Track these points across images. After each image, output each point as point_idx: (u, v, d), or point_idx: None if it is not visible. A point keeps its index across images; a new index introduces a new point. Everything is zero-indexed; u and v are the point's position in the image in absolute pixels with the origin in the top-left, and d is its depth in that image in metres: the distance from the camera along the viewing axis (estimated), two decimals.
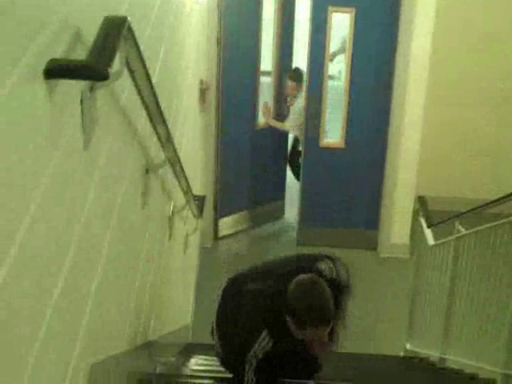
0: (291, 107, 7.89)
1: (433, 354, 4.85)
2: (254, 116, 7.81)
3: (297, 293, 2.70)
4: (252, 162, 7.88)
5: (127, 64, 1.90)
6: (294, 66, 8.03)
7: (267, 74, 8.06)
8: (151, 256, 3.12)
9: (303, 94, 7.57)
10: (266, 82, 8.09)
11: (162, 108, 2.64)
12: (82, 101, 1.65)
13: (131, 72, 2.02)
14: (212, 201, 7.59)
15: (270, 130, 7.88)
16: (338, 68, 8.06)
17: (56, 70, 1.39)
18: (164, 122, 2.74)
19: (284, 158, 8.36)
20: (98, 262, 1.91)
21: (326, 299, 2.66)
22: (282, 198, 8.38)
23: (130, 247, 2.53)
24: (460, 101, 8.07)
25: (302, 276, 2.76)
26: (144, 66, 2.07)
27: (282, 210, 8.41)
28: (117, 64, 1.72)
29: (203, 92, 6.64)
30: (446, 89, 8.01)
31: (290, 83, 7.80)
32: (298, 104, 7.74)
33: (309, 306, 2.65)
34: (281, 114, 8.03)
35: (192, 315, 6.15)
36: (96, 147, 1.81)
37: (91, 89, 1.71)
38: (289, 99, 7.94)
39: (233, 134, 7.56)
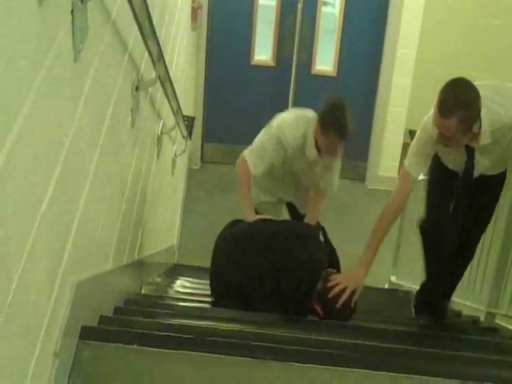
0: None
1: (417, 288, 4.87)
2: (249, 48, 7.56)
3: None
4: (244, 97, 7.70)
5: None
6: None
7: None
8: (139, 175, 3.08)
9: None
10: (268, 4, 7.52)
11: (154, 23, 2.56)
12: (72, 11, 1.57)
13: None
14: (202, 123, 7.53)
15: (268, 69, 7.66)
16: None
17: None
18: (155, 37, 2.66)
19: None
20: (86, 177, 1.87)
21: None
22: None
23: (119, 164, 2.49)
24: (456, 28, 7.95)
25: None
26: None
27: None
28: None
29: (195, 11, 6.48)
30: (441, 17, 7.87)
31: None
32: None
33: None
34: None
35: (178, 236, 6.17)
36: (86, 60, 1.75)
37: (82, 1, 1.64)
38: None
39: (223, 69, 7.45)
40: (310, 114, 3.50)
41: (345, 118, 3.29)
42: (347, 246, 6.42)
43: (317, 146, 3.42)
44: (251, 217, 3.30)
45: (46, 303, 1.52)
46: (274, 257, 2.98)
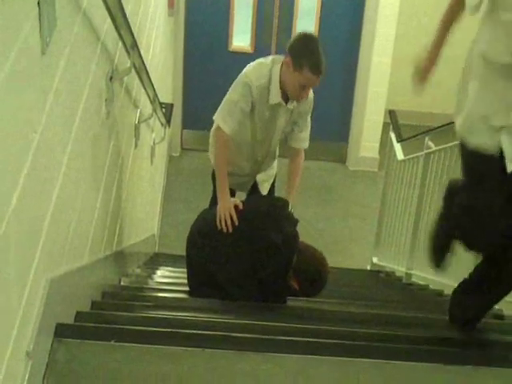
0: None
1: (399, 268, 4.90)
2: (226, 34, 7.51)
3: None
4: (223, 84, 7.61)
5: None
6: None
7: None
8: (116, 165, 3.05)
9: None
10: None
11: (128, 12, 2.51)
12: (39, 3, 1.53)
13: None
14: (181, 109, 7.48)
15: (247, 55, 7.56)
16: None
17: None
18: (129, 27, 2.62)
19: None
20: (57, 171, 1.84)
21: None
22: None
23: (94, 156, 2.45)
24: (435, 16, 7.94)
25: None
26: None
27: None
28: None
29: None
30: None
31: None
32: None
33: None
34: None
35: (159, 224, 6.14)
36: (55, 52, 1.71)
37: None
38: None
39: (202, 55, 7.41)
40: (274, 56, 3.34)
41: (319, 51, 3.08)
42: (330, 228, 6.47)
43: (282, 88, 3.22)
44: (227, 200, 3.13)
45: (18, 302, 1.49)
46: (246, 243, 2.95)
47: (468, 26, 2.67)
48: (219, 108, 3.28)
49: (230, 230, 2.98)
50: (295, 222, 3.08)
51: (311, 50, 3.08)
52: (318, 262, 2.97)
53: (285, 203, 3.18)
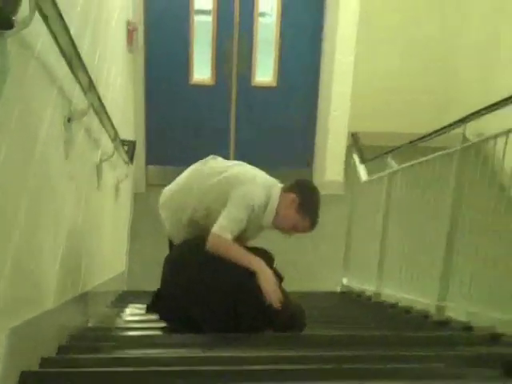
0: None
1: (368, 288, 4.94)
2: (187, 68, 7.55)
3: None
4: (186, 117, 7.70)
5: (39, 9, 1.79)
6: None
7: (205, 12, 7.51)
8: (78, 207, 3.03)
9: None
10: (204, 20, 7.52)
11: (84, 52, 2.52)
12: None
13: (45, 18, 1.91)
14: (144, 146, 7.48)
15: (208, 87, 7.67)
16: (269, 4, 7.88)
17: None
18: (84, 68, 2.62)
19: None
20: (14, 219, 1.82)
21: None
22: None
23: (53, 200, 2.44)
24: (391, 41, 8.12)
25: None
26: (58, 11, 1.95)
27: None
28: (26, 10, 1.61)
29: (131, 33, 6.45)
30: (377, 22, 8.03)
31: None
32: None
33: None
34: None
35: (127, 261, 6.10)
36: (8, 98, 1.71)
37: (1, 35, 1.61)
38: None
39: (163, 90, 7.47)
40: (267, 177, 3.39)
41: (319, 208, 3.27)
42: (302, 256, 6.50)
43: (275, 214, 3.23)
44: (263, 266, 2.97)
45: None
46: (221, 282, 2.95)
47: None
48: (223, 223, 3.07)
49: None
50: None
51: (317, 206, 3.27)
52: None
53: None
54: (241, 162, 3.48)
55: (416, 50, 8.20)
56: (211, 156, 3.53)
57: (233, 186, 3.17)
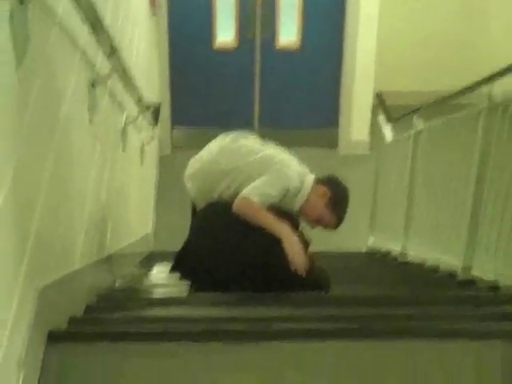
0: None
1: (394, 248, 4.93)
2: (210, 30, 7.51)
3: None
4: (210, 80, 7.66)
5: None
6: None
7: None
8: (104, 169, 3.07)
9: None
10: None
11: (108, 16, 2.53)
12: (11, 17, 1.55)
13: None
14: (169, 108, 7.49)
15: (230, 52, 7.63)
16: None
17: None
18: (107, 32, 2.63)
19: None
20: (40, 180, 1.86)
21: None
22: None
23: (79, 163, 2.48)
24: None
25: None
26: None
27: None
28: None
29: None
30: None
31: None
32: None
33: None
34: None
35: (153, 223, 6.16)
36: (31, 64, 1.73)
37: (22, 2, 1.62)
38: None
39: (187, 53, 7.45)
40: (302, 165, 3.41)
41: (347, 208, 3.31)
42: None
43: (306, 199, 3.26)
44: (289, 232, 2.97)
45: (6, 313, 1.52)
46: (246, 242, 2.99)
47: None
48: (255, 191, 3.08)
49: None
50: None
51: (346, 206, 3.31)
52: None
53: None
54: (271, 144, 3.45)
55: (444, 4, 8.05)
56: (237, 132, 3.46)
57: (269, 167, 3.19)
